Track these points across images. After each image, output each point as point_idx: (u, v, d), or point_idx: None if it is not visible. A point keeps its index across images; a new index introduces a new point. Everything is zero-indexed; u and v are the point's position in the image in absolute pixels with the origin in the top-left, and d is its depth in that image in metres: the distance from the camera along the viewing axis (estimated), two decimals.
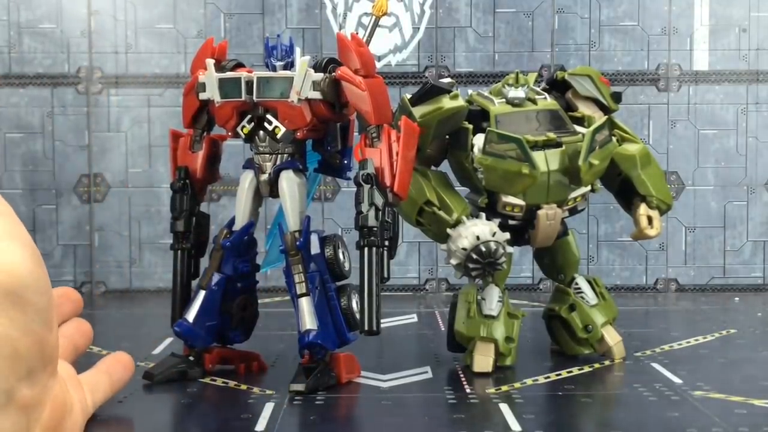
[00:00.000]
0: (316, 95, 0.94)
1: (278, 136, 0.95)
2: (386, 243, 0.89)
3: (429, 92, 1.01)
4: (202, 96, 0.97)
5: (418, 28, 1.64)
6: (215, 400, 0.91)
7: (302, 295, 0.93)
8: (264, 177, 0.97)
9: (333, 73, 0.94)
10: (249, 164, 0.99)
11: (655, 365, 1.02)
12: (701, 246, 1.66)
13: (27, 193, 1.63)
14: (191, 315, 0.97)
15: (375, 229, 0.88)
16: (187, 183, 0.99)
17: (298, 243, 0.94)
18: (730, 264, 1.66)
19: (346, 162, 1.00)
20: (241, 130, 0.96)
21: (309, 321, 0.92)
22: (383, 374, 0.99)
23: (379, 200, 0.89)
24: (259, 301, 1.02)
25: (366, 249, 0.88)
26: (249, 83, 0.94)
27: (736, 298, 1.59)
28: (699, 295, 1.62)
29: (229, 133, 0.98)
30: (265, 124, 0.96)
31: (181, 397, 0.91)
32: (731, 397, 0.88)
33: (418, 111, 1.00)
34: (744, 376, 0.98)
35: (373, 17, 1.01)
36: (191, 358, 0.98)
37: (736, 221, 1.65)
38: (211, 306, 0.97)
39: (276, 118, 0.95)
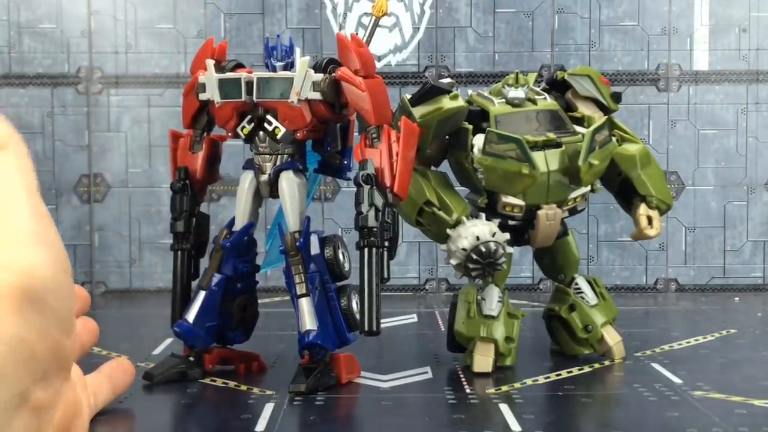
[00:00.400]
0: (316, 96, 0.93)
1: (278, 137, 0.95)
2: (386, 243, 0.89)
3: (429, 92, 1.01)
4: (202, 96, 0.97)
5: (418, 28, 1.64)
6: (215, 400, 0.91)
7: (302, 295, 0.93)
8: (264, 177, 0.97)
9: (333, 74, 0.94)
10: (249, 165, 0.98)
11: (655, 365, 1.02)
12: (701, 246, 1.66)
13: None
14: (191, 315, 0.96)
15: (375, 229, 0.88)
16: (187, 183, 0.99)
17: (298, 243, 0.93)
18: (730, 264, 1.66)
19: (346, 162, 1.00)
20: (241, 130, 0.96)
21: (309, 321, 0.92)
22: (383, 374, 0.99)
23: (378, 200, 0.89)
24: (259, 301, 1.02)
25: (366, 249, 0.88)
26: (249, 84, 0.94)
27: (736, 298, 1.59)
28: (699, 295, 1.62)
29: (229, 134, 0.98)
30: (265, 125, 0.95)
31: (181, 397, 0.91)
32: (731, 397, 0.88)
33: (417, 111, 1.00)
34: (744, 376, 0.98)
35: (373, 17, 1.01)
36: (191, 358, 0.98)
37: (736, 221, 1.65)
38: (211, 306, 0.97)
39: (276, 118, 0.95)
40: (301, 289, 0.93)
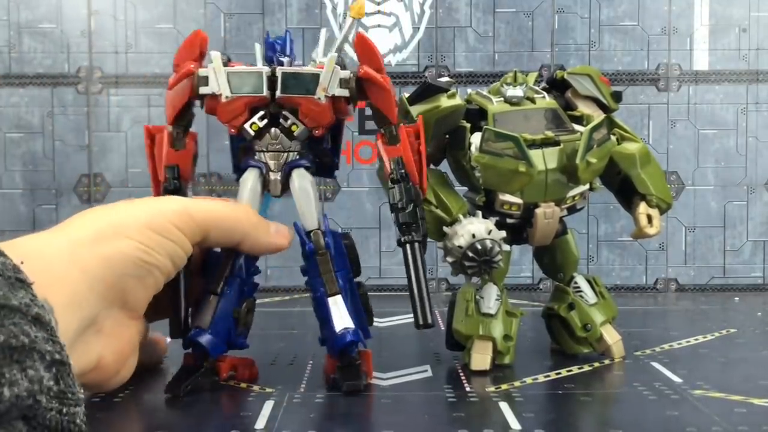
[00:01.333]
0: (344, 93, 0.92)
1: (295, 134, 0.92)
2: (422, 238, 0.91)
3: (426, 91, 1.01)
4: (203, 90, 0.93)
5: (418, 28, 1.64)
6: (215, 398, 0.91)
7: (333, 293, 0.91)
8: (274, 176, 0.93)
9: (357, 72, 0.92)
10: (253, 162, 0.94)
11: (655, 364, 1.02)
12: (701, 246, 1.66)
13: (27, 193, 1.63)
14: (205, 322, 0.91)
15: (414, 225, 0.89)
16: (181, 183, 0.95)
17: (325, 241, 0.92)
18: (730, 264, 1.66)
19: (336, 161, 1.00)
20: (251, 126, 0.92)
21: (344, 319, 0.90)
22: (383, 372, 0.99)
23: (416, 197, 0.90)
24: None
25: (408, 246, 0.89)
26: (271, 78, 0.91)
27: (736, 298, 1.59)
28: (699, 295, 1.62)
29: (232, 130, 0.93)
30: (281, 121, 0.92)
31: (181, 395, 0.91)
32: (731, 396, 0.88)
33: (415, 110, 1.00)
34: (744, 376, 0.98)
35: (351, 19, 0.97)
36: (204, 368, 0.92)
37: (736, 221, 1.65)
38: (226, 312, 0.92)
39: (294, 114, 0.92)
40: (331, 288, 0.91)
